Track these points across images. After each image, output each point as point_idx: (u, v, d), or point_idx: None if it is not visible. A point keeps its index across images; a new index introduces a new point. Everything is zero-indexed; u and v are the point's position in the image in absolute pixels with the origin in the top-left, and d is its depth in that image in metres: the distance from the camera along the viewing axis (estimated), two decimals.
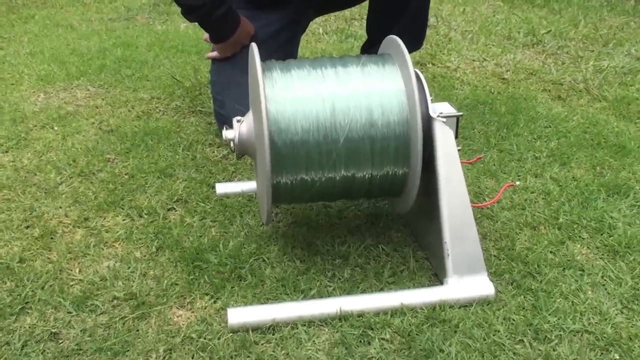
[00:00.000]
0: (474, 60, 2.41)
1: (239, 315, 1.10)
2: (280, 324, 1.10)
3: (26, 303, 1.16)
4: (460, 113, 1.25)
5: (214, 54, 1.73)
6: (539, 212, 1.42)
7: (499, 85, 2.17)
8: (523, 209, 1.44)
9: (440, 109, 1.25)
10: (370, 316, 1.11)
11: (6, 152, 1.72)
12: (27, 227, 1.39)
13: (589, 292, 1.18)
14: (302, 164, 1.15)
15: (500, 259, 1.27)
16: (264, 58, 1.52)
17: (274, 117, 1.13)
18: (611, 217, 1.40)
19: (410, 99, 1.14)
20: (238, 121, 1.22)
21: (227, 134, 1.22)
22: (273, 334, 1.08)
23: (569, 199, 1.47)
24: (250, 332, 1.08)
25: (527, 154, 1.68)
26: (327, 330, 1.09)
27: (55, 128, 1.86)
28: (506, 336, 1.07)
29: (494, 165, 1.62)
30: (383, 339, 1.07)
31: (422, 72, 1.98)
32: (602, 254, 1.29)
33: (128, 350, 1.05)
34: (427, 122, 1.19)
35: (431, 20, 2.92)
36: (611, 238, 1.33)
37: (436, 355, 1.02)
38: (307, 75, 1.18)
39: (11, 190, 1.52)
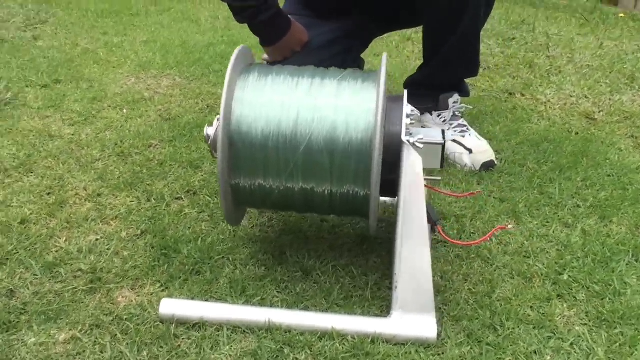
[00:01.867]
0: (570, 96, 2.25)
1: (171, 306, 1.12)
2: (207, 323, 1.10)
3: (6, 259, 1.26)
4: (442, 142, 1.18)
5: (266, 56, 1.77)
6: (542, 264, 1.30)
7: (581, 125, 2.00)
8: (527, 257, 1.33)
9: (427, 134, 1.18)
10: (297, 334, 1.08)
11: (72, 125, 1.88)
12: (48, 194, 1.51)
13: (547, 358, 1.07)
14: (259, 168, 1.15)
15: (468, 304, 1.18)
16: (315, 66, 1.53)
17: (237, 119, 1.14)
18: (623, 283, 1.25)
19: (374, 119, 1.10)
20: (218, 119, 1.24)
21: (207, 130, 1.24)
22: (197, 331, 1.09)
23: (586, 255, 1.33)
24: (174, 325, 1.10)
25: (568, 201, 1.54)
26: (250, 338, 1.08)
27: (124, 111, 1.99)
28: None
29: (524, 206, 1.50)
30: (297, 359, 1.04)
31: (505, 101, 1.89)
32: (588, 321, 1.15)
33: (61, 319, 1.11)
34: (397, 145, 1.14)
35: (557, 50, 2.76)
36: (609, 305, 1.18)
37: None
38: (282, 82, 1.17)
39: (54, 160, 1.66)
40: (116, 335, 1.08)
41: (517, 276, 1.26)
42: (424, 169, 1.18)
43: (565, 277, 1.26)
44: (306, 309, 1.16)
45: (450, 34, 1.61)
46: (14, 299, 1.16)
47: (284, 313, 1.12)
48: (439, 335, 1.09)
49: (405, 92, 1.19)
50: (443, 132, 1.22)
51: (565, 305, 1.19)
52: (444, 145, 1.19)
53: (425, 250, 1.11)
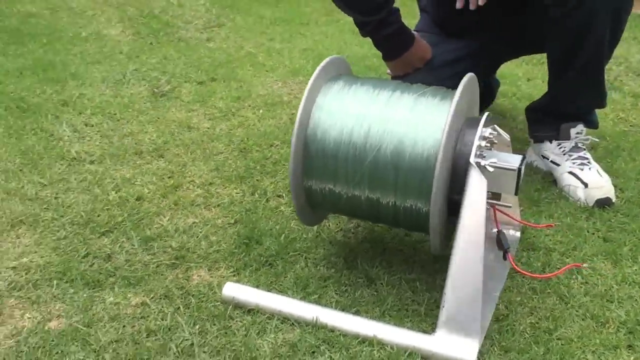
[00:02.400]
0: None
1: (233, 290, 1.21)
2: (261, 310, 1.18)
3: (114, 228, 1.44)
4: (515, 167, 1.16)
5: (389, 71, 1.82)
6: (624, 311, 1.22)
7: None
8: (610, 302, 1.25)
9: (503, 159, 1.17)
10: (339, 334, 1.13)
11: (210, 120, 2.05)
12: (169, 177, 1.68)
13: None
14: (329, 174, 1.20)
15: (523, 337, 1.15)
16: (434, 84, 1.57)
17: (314, 124, 1.20)
18: None
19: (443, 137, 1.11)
20: None
21: None
22: (251, 316, 1.17)
23: None
24: (232, 307, 1.19)
25: None
26: (295, 331, 1.14)
27: (261, 111, 2.14)
28: None
29: (629, 250, 1.41)
30: (331, 357, 1.08)
31: None
32: None
33: (139, 285, 1.25)
34: (464, 165, 1.14)
35: None
36: None
37: None
38: (363, 93, 1.22)
39: (184, 149, 1.83)
40: (179, 307, 1.19)
41: (589, 318, 1.20)
42: (498, 194, 1.17)
43: None
44: (357, 313, 1.19)
45: (572, 59, 1.55)
46: (109, 262, 1.32)
47: (333, 313, 1.16)
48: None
49: (486, 114, 1.18)
50: (524, 157, 1.19)
51: (632, 357, 1.11)
52: (519, 171, 1.16)
53: (477, 273, 1.10)
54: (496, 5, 1.68)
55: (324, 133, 1.20)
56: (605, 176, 1.64)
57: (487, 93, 2.06)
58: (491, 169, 1.14)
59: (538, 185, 1.69)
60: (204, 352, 1.09)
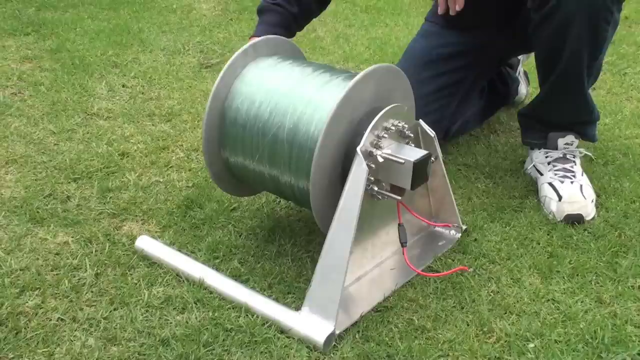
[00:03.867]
0: None
1: (144, 242, 1.31)
2: (162, 264, 1.27)
3: (85, 177, 1.58)
4: (405, 160, 1.15)
5: None
6: (514, 325, 1.18)
7: None
8: (509, 314, 1.21)
9: (401, 152, 1.17)
10: (215, 297, 1.19)
11: None
12: (163, 139, 1.80)
13: None
14: (239, 145, 1.26)
15: (392, 330, 1.15)
16: (429, 78, 1.56)
17: (233, 94, 1.26)
18: None
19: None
20: None
21: None
22: (149, 268, 1.27)
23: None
24: (138, 258, 1.29)
25: (629, 280, 1.33)
26: (180, 288, 1.22)
27: None
28: None
29: (571, 266, 1.34)
30: (196, 316, 1.15)
31: None
32: None
33: (73, 227, 1.38)
34: (344, 153, 1.16)
35: None
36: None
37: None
38: (285, 70, 1.26)
39: (192, 116, 1.95)
40: (93, 251, 1.31)
41: (474, 325, 1.17)
42: (402, 188, 1.17)
43: (531, 346, 1.13)
44: (245, 282, 1.24)
45: (553, 64, 1.48)
46: (61, 205, 1.47)
47: (218, 278, 1.22)
48: (330, 340, 1.09)
49: (391, 106, 1.17)
50: (428, 155, 1.18)
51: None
52: (415, 166, 1.15)
53: (343, 258, 1.11)
54: (493, 3, 1.63)
55: (239, 104, 1.25)
56: (589, 193, 1.55)
57: (501, 91, 1.99)
58: (381, 160, 1.15)
59: (516, 192, 1.63)
60: (92, 291, 1.20)
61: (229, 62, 1.25)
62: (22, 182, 1.53)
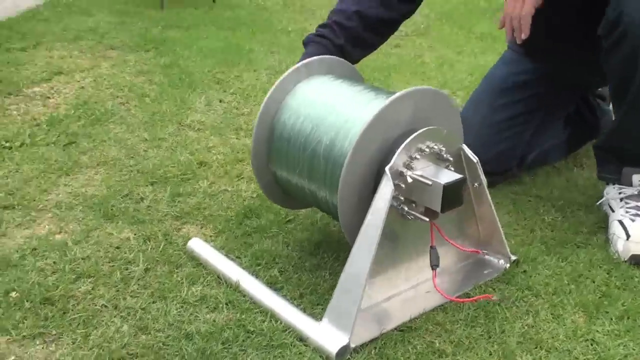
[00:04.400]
0: None
1: (195, 244, 1.40)
2: (207, 266, 1.35)
3: (162, 181, 1.71)
4: (433, 182, 1.16)
5: None
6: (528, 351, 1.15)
7: None
8: (539, 349, 1.18)
9: (432, 173, 1.18)
10: (246, 301, 1.25)
11: None
12: (242, 152, 1.91)
13: None
14: (283, 158, 1.32)
15: (410, 351, 1.15)
16: (503, 106, 1.63)
17: (283, 108, 1.33)
18: None
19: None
20: None
21: None
22: (195, 268, 1.35)
23: None
24: (188, 257, 1.38)
25: None
26: (217, 289, 1.29)
27: None
28: None
29: (625, 308, 1.28)
30: (225, 315, 1.22)
31: None
32: None
33: (137, 225, 1.50)
34: (376, 171, 1.18)
35: None
36: None
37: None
38: (334, 88, 1.30)
39: None
40: (149, 248, 1.41)
41: (494, 356, 1.15)
42: (435, 212, 1.18)
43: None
44: (279, 290, 1.29)
45: (624, 93, 1.42)
46: (134, 204, 1.59)
47: (253, 283, 1.28)
48: (344, 353, 1.11)
49: (422, 131, 1.18)
50: (463, 179, 1.18)
51: None
52: (444, 188, 1.15)
53: (362, 274, 1.13)
54: (570, 31, 1.59)
55: (286, 118, 1.31)
56: None
57: (590, 123, 1.92)
58: (410, 180, 1.16)
59: (584, 228, 1.57)
60: (138, 284, 1.29)
61: (280, 78, 1.32)
62: (106, 182, 1.68)
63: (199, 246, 1.39)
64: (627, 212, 1.50)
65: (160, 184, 1.69)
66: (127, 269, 1.33)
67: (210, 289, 1.28)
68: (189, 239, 1.42)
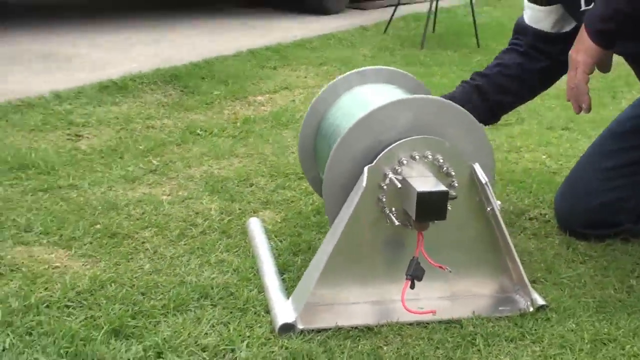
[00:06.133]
0: None
1: (253, 222, 1.58)
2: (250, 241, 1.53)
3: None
4: (400, 185, 1.17)
5: None
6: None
7: None
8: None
9: (419, 180, 1.20)
10: (250, 272, 1.39)
11: None
12: None
13: None
14: (319, 155, 1.44)
15: (349, 346, 1.18)
16: (615, 151, 1.53)
17: (328, 111, 1.45)
18: None
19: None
20: None
21: None
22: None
23: None
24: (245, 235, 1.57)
25: None
26: (237, 262, 1.46)
27: None
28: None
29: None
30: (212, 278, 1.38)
31: None
32: None
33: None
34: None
35: None
36: None
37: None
38: (378, 91, 1.39)
39: None
40: (228, 220, 1.63)
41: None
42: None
43: None
44: (283, 272, 1.39)
45: None
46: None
47: (264, 259, 1.40)
48: (286, 329, 1.18)
49: (414, 139, 1.20)
50: (445, 192, 1.17)
51: None
52: (418, 195, 1.16)
53: (322, 261, 1.20)
54: None
55: (329, 115, 1.42)
56: None
57: None
58: (388, 182, 1.19)
59: None
60: (185, 241, 1.51)
61: (331, 82, 1.44)
62: (238, 169, 1.95)
63: (253, 225, 1.55)
64: None
65: (277, 177, 1.89)
66: (188, 229, 1.56)
67: (234, 257, 1.44)
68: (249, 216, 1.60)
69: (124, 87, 2.74)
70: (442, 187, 1.16)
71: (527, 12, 1.54)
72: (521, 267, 1.27)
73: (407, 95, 1.35)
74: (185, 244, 1.49)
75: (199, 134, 2.28)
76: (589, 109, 1.37)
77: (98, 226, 1.55)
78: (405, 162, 1.19)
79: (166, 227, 1.57)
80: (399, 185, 1.17)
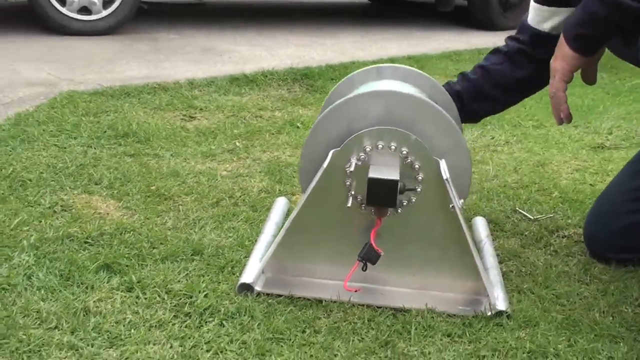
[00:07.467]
0: None
1: (279, 202, 1.73)
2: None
3: None
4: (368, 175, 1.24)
5: None
6: None
7: None
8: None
9: (376, 169, 1.28)
10: (249, 240, 1.54)
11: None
12: None
13: None
14: None
15: (293, 311, 1.28)
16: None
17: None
18: None
19: None
20: None
21: None
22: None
23: None
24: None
25: None
26: (250, 229, 1.61)
27: None
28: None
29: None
30: (213, 238, 1.54)
31: None
32: None
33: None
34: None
35: None
36: None
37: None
38: (388, 85, 1.46)
39: None
40: (269, 194, 1.80)
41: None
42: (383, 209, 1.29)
43: None
44: None
45: None
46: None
47: (268, 228, 1.55)
48: (245, 288, 1.31)
49: (378, 129, 1.26)
50: (395, 182, 1.23)
51: None
52: (369, 180, 1.23)
53: (283, 232, 1.32)
54: None
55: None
56: None
57: None
58: (351, 167, 1.28)
59: None
60: (212, 209, 1.70)
61: (349, 75, 1.53)
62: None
63: (279, 203, 1.69)
64: None
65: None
66: (223, 200, 1.74)
67: (246, 226, 1.60)
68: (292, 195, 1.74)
69: (253, 80, 2.99)
70: (394, 176, 1.21)
71: (531, 12, 1.51)
72: (481, 270, 1.28)
73: (404, 90, 1.40)
74: (213, 211, 1.67)
75: (297, 127, 2.45)
76: (569, 118, 1.32)
77: (153, 187, 1.79)
78: (369, 150, 1.26)
79: (206, 195, 1.76)
80: (352, 170, 1.24)
